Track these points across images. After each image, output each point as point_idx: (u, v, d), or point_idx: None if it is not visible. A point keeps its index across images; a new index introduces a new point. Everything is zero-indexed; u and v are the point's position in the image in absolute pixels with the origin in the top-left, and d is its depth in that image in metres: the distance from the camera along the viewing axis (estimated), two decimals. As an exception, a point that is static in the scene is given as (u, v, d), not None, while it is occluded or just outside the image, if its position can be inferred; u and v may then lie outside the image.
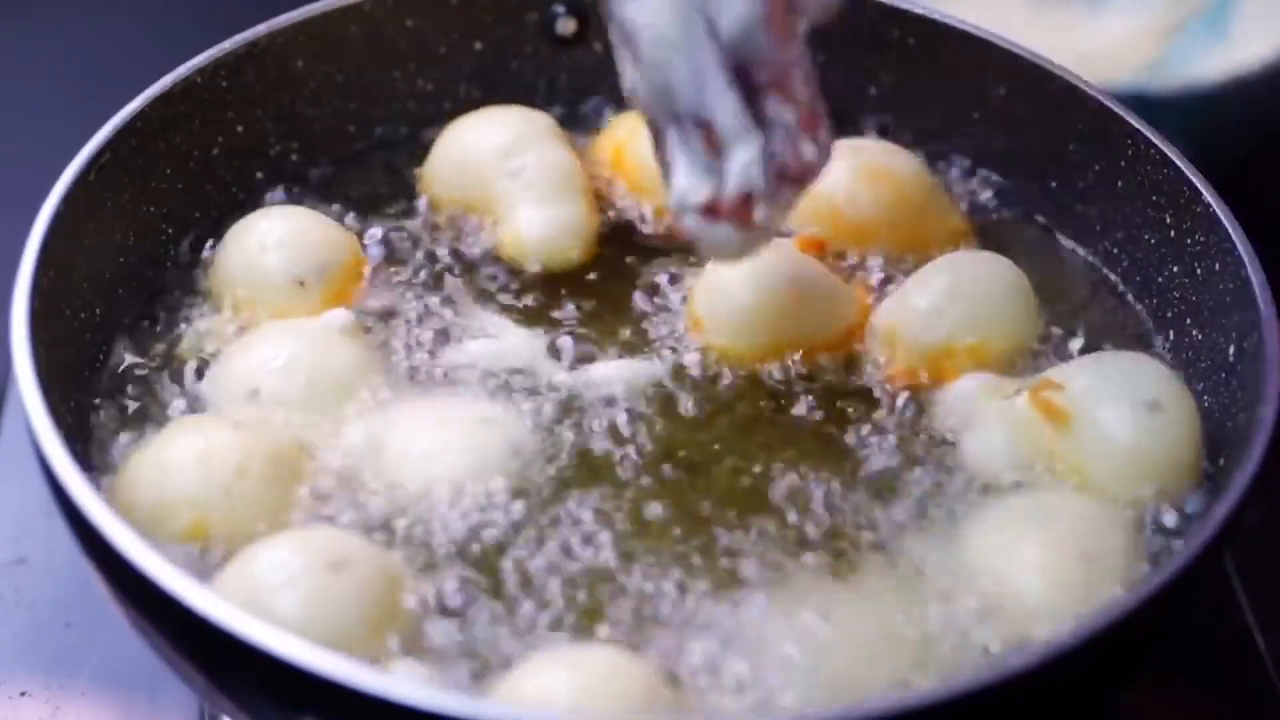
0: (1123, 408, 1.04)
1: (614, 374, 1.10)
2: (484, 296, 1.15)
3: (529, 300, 1.15)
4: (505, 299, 1.15)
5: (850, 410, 1.08)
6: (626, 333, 1.13)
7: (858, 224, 1.18)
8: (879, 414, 1.08)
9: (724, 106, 0.99)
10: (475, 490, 1.01)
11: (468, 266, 1.17)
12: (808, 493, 1.03)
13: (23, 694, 1.16)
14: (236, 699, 0.93)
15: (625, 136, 1.23)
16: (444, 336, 1.12)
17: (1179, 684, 1.17)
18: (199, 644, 0.90)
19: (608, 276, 1.17)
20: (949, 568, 0.99)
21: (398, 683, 0.85)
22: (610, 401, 1.08)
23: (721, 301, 1.12)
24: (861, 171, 1.18)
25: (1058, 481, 1.04)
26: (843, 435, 1.07)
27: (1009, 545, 0.99)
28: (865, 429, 1.07)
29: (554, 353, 1.11)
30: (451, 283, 1.16)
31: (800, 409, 1.08)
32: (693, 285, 1.14)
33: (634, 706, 0.90)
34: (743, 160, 0.99)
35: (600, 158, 1.24)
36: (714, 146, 1.00)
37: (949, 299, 1.10)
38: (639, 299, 1.15)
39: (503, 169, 1.19)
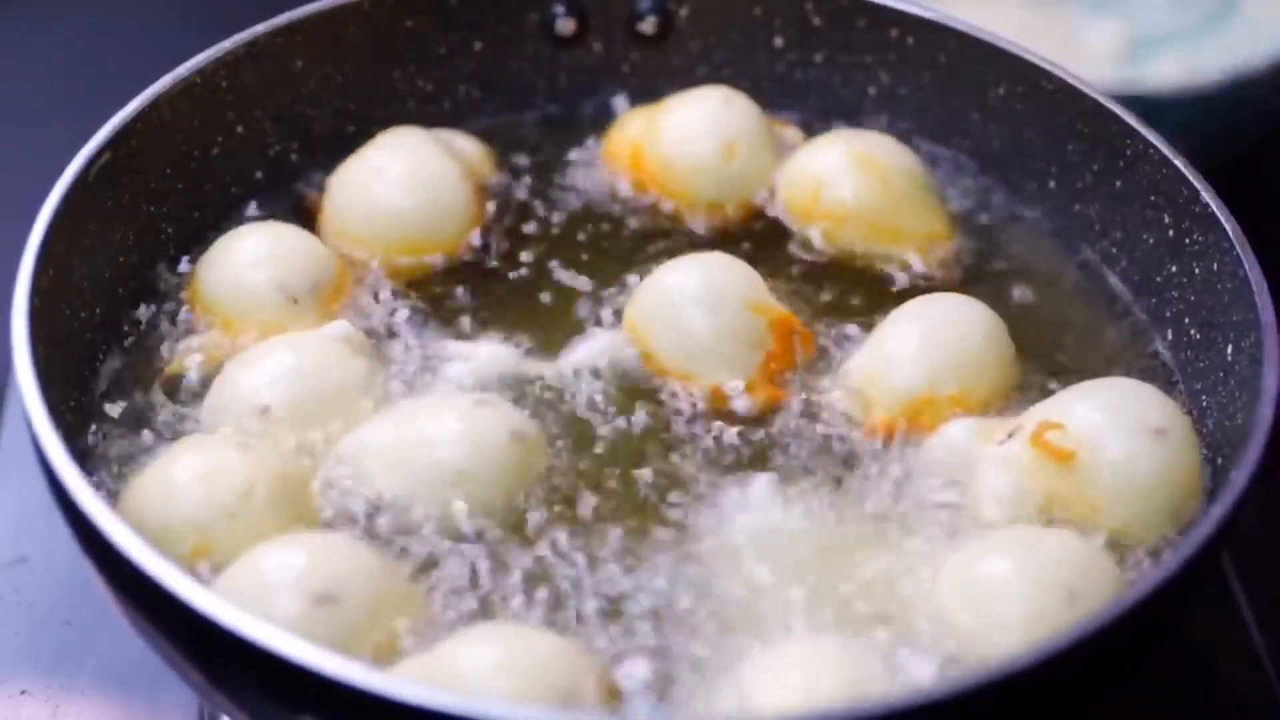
0: (1133, 439, 1.01)
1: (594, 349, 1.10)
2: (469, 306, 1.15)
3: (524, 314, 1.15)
4: (493, 310, 1.15)
5: (838, 462, 1.06)
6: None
7: (835, 207, 1.18)
8: (870, 466, 1.06)
9: None
10: (477, 478, 1.01)
11: (450, 277, 1.17)
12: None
13: (23, 693, 1.16)
14: (236, 698, 0.93)
15: (640, 134, 1.23)
16: (432, 355, 1.11)
17: (1178, 683, 1.17)
18: (198, 643, 0.90)
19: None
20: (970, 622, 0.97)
21: (397, 682, 0.85)
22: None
23: (649, 306, 1.11)
24: (849, 158, 1.19)
25: (1071, 521, 1.01)
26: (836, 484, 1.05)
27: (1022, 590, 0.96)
28: (860, 481, 1.05)
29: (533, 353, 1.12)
30: (427, 296, 1.16)
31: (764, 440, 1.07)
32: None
33: (558, 688, 0.90)
34: None
35: (614, 156, 1.24)
36: None
37: (926, 347, 1.07)
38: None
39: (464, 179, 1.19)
